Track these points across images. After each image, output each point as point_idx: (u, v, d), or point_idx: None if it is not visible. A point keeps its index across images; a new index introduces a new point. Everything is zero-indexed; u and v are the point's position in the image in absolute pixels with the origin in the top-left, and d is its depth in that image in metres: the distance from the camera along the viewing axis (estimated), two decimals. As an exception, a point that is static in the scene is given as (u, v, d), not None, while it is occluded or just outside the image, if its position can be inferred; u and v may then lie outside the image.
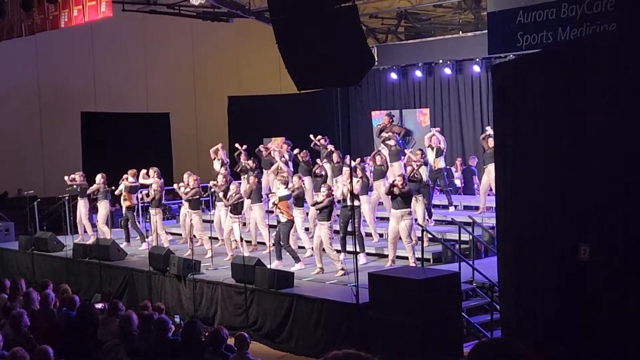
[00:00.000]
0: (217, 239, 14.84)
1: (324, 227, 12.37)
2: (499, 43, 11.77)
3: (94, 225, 16.76)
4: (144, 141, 20.75)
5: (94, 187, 16.10)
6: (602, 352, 6.86)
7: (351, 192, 12.07)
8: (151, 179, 15.75)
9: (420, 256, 11.76)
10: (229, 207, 14.06)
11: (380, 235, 14.37)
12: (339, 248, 13.04)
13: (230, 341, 8.45)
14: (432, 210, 14.65)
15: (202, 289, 12.57)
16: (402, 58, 20.80)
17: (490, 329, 10.46)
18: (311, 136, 16.45)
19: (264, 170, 16.72)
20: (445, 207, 15.49)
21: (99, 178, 16.10)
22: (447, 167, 16.34)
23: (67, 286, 11.69)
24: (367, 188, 13.85)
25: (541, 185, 7.60)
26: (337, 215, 13.27)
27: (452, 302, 9.61)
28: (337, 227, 13.09)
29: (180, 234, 16.08)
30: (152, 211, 15.36)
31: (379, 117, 18.04)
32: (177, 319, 11.69)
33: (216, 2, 18.99)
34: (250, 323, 11.67)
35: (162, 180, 15.82)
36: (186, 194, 14.85)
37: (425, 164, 14.48)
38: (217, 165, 16.86)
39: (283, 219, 13.05)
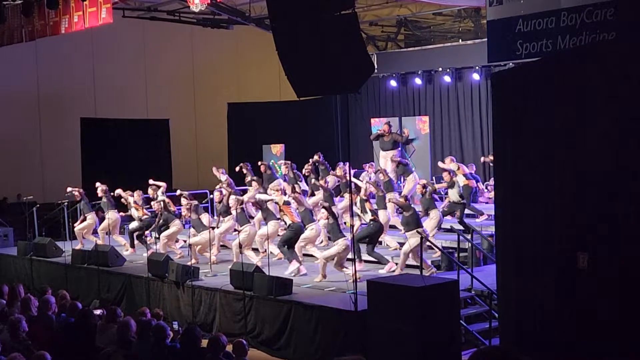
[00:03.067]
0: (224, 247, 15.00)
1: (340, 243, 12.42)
2: (498, 51, 11.77)
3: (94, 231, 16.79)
4: (143, 147, 20.75)
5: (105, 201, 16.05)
6: (601, 360, 6.86)
7: (350, 207, 12.09)
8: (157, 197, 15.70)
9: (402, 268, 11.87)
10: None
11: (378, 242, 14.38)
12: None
13: (229, 348, 8.44)
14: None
15: (200, 295, 12.56)
16: (402, 66, 20.83)
17: (489, 337, 10.46)
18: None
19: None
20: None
21: (100, 190, 16.04)
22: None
23: (65, 292, 11.69)
24: (383, 202, 13.85)
25: (540, 193, 7.60)
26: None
27: (450, 310, 9.59)
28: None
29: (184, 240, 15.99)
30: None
31: (378, 124, 18.06)
32: (175, 326, 11.68)
33: (216, 9, 19.03)
34: (249, 330, 11.66)
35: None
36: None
37: (452, 185, 14.44)
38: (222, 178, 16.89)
39: (288, 221, 13.16)
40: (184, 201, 14.91)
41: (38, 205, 17.68)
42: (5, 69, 20.49)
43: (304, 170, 16.19)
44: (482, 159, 17.81)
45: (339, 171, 15.47)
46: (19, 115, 21.17)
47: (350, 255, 12.79)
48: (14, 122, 21.05)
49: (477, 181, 17.14)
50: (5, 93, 20.85)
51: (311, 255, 13.64)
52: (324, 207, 13.07)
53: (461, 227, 13.59)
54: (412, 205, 12.87)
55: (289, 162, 16.74)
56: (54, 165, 21.14)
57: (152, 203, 15.64)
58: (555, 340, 7.38)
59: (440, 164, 15.73)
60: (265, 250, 13.63)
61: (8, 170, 20.52)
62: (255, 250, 14.65)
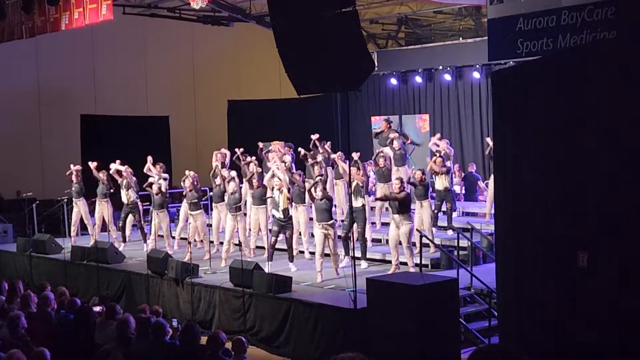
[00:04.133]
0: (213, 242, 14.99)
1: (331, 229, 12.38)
2: (499, 50, 11.77)
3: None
4: (143, 144, 20.71)
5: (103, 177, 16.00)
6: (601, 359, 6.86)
7: (350, 193, 12.10)
8: (155, 175, 15.70)
9: (418, 262, 11.77)
10: (229, 207, 14.20)
11: (379, 241, 14.37)
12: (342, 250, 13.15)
13: (228, 345, 8.44)
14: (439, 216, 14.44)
15: (200, 292, 12.56)
16: (402, 64, 20.83)
17: (488, 336, 10.46)
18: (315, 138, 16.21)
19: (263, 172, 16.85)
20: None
21: (101, 176, 16.02)
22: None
23: (64, 289, 11.68)
24: (367, 187, 13.78)
25: (540, 193, 7.60)
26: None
27: (450, 308, 9.60)
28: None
29: (184, 238, 15.88)
30: (157, 214, 15.30)
31: (378, 122, 18.07)
32: (174, 323, 11.68)
33: (217, 6, 19.01)
34: (248, 327, 11.66)
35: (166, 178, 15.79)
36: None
37: (448, 172, 14.38)
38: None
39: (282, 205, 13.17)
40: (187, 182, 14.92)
41: (38, 202, 17.67)
42: (5, 66, 20.47)
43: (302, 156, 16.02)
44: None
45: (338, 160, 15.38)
46: (19, 111, 21.14)
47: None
48: (14, 119, 21.02)
49: (477, 179, 17.14)
50: (5, 89, 20.83)
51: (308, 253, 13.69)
52: (323, 185, 13.04)
53: (460, 227, 13.59)
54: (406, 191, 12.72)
55: (290, 146, 16.69)
56: (53, 162, 21.09)
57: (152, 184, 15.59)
58: (554, 339, 7.38)
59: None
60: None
61: (8, 167, 20.50)
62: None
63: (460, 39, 20.41)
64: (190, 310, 12.59)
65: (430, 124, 19.10)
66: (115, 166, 15.99)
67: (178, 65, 23.75)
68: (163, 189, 15.35)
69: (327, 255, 12.48)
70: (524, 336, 7.80)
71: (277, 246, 13.42)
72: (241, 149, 16.50)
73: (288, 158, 15.71)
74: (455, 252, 12.54)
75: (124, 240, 16.01)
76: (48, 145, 21.53)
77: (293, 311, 11.12)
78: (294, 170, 14.54)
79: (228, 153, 16.35)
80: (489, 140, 14.85)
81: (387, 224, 14.81)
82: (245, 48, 23.93)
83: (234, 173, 14.83)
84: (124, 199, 15.82)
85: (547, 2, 10.67)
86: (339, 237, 12.94)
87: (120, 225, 16.14)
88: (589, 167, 7.00)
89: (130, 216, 15.87)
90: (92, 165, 16.26)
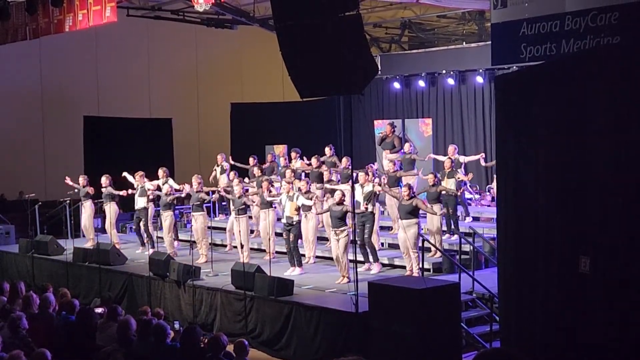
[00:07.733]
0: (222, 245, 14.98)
1: (343, 235, 12.35)
2: (502, 54, 11.78)
3: (97, 230, 16.75)
4: (146, 146, 20.77)
5: (110, 190, 15.92)
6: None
7: (352, 205, 12.07)
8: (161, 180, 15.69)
9: (420, 266, 11.77)
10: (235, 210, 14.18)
11: (381, 244, 14.35)
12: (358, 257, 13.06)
13: (230, 348, 8.44)
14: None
15: (201, 295, 12.57)
16: (406, 68, 20.82)
17: (490, 340, 10.45)
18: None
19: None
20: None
21: (104, 180, 15.98)
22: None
23: (66, 290, 11.70)
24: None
25: (542, 197, 7.59)
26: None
27: (451, 313, 9.59)
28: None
29: (187, 240, 15.73)
30: (163, 214, 15.26)
31: (381, 126, 18.07)
32: (176, 325, 11.68)
33: (220, 9, 19.04)
34: (249, 330, 11.66)
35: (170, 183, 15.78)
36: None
37: (452, 175, 14.37)
38: (219, 172, 16.91)
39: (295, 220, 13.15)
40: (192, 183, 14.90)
41: (40, 203, 17.69)
42: (9, 67, 20.53)
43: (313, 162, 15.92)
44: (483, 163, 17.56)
45: (344, 162, 15.32)
46: (22, 113, 21.20)
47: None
48: (17, 120, 21.08)
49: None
50: (8, 91, 20.88)
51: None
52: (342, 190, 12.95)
53: (463, 231, 13.55)
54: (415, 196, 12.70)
55: (296, 151, 16.64)
56: (56, 163, 21.14)
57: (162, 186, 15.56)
58: (557, 343, 7.37)
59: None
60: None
61: (11, 168, 20.54)
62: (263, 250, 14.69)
63: (464, 43, 20.42)
64: (192, 313, 12.59)
65: (433, 128, 19.10)
66: (129, 177, 15.98)
67: (181, 67, 23.80)
68: (168, 189, 15.32)
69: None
70: (525, 341, 7.78)
71: (278, 249, 13.42)
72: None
73: (298, 164, 15.74)
74: (457, 257, 12.54)
75: (142, 244, 15.95)
76: (51, 147, 21.57)
77: (294, 314, 11.12)
78: (303, 178, 14.59)
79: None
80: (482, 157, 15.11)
81: (387, 227, 14.90)
82: (248, 51, 23.97)
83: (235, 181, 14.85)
84: (137, 205, 15.75)
85: (551, 6, 10.68)
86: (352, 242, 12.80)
87: (134, 229, 16.15)
88: (591, 172, 6.99)
89: (141, 221, 15.78)
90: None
